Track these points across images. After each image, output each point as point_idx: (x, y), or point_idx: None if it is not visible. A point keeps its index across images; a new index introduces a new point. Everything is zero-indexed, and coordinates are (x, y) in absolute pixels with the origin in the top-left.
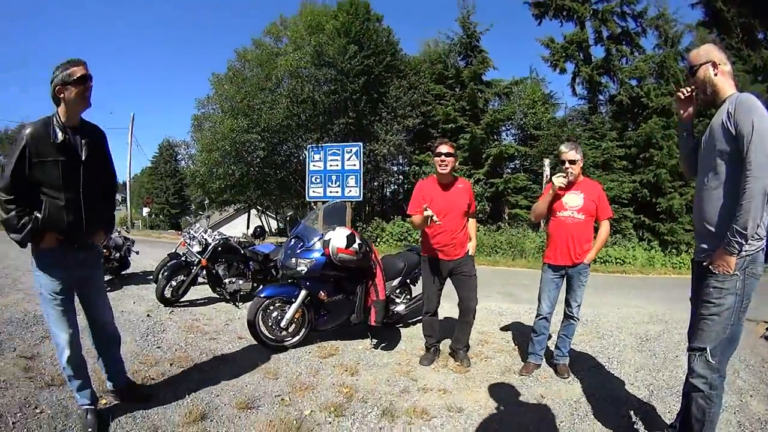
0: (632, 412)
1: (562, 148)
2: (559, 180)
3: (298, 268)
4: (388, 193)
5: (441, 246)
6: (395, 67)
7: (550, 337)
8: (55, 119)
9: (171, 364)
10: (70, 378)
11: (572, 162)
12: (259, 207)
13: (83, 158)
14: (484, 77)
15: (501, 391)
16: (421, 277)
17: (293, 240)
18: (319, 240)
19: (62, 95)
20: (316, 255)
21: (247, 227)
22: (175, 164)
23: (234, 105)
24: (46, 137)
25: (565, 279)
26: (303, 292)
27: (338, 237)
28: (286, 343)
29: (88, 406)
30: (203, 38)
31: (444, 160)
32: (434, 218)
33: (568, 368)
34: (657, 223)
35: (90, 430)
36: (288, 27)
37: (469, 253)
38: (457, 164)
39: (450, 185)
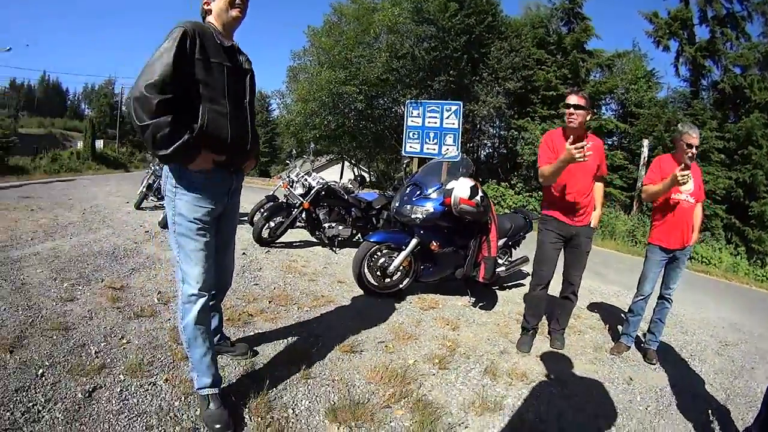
0: (710, 411)
1: (689, 130)
2: (683, 179)
3: (413, 216)
4: (482, 156)
5: (566, 205)
6: (496, 29)
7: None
8: (211, 26)
9: (270, 302)
10: (191, 342)
11: (696, 147)
12: (352, 160)
13: (247, 69)
14: (587, 46)
15: (594, 367)
16: (536, 244)
17: (410, 187)
18: (437, 189)
19: (209, 6)
20: (435, 204)
21: (340, 177)
22: (267, 114)
23: (331, 57)
24: (210, 36)
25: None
26: (414, 241)
27: (462, 187)
28: (389, 291)
29: (212, 391)
30: None
31: (572, 113)
32: (584, 149)
33: (656, 355)
34: (746, 227)
35: (218, 427)
36: None
37: (591, 224)
38: (588, 118)
39: (579, 141)
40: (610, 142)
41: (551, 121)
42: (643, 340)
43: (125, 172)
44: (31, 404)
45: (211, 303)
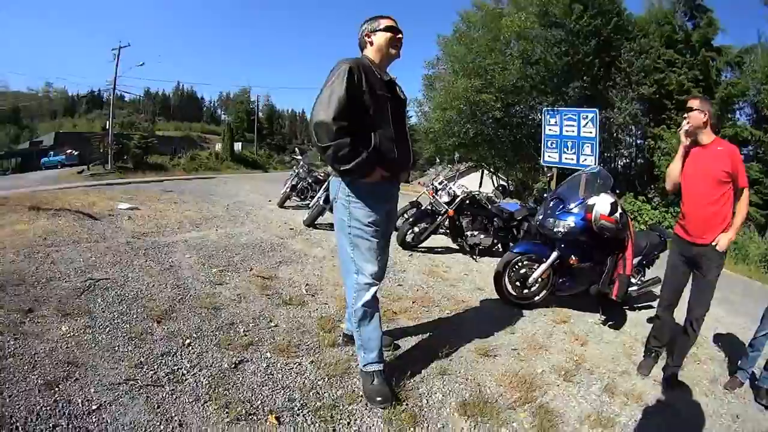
0: None
1: None
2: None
3: (555, 229)
4: (619, 167)
5: (688, 220)
6: (623, 29)
7: None
8: (368, 60)
9: (413, 302)
10: (362, 322)
11: None
12: (490, 168)
13: (404, 99)
14: (714, 42)
15: (706, 399)
16: (666, 263)
17: (553, 200)
18: (579, 204)
19: (370, 39)
20: (576, 218)
21: (479, 186)
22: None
23: (465, 65)
24: (371, 70)
25: None
26: (555, 254)
27: (603, 203)
28: (525, 302)
29: (377, 368)
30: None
31: (687, 116)
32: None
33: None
34: None
35: (380, 400)
36: None
37: (718, 244)
38: (707, 120)
39: (706, 146)
40: (745, 153)
41: None
42: (758, 377)
43: (263, 173)
44: (176, 367)
45: None
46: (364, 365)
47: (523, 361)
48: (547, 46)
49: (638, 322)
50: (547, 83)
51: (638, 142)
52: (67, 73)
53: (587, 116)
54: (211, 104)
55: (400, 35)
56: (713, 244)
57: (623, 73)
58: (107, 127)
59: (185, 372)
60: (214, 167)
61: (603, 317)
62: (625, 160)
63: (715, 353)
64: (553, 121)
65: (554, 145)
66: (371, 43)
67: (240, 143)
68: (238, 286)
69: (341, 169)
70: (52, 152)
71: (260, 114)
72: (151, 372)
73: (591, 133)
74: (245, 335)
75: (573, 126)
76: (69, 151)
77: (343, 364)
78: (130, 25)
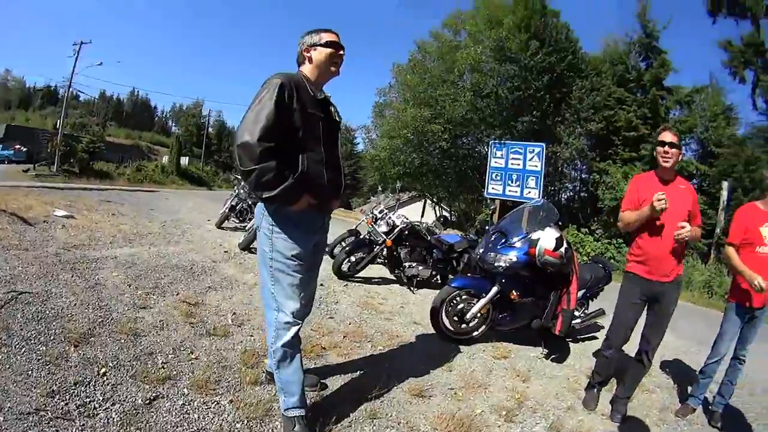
0: None
1: None
2: (659, 204)
3: (497, 264)
4: (563, 200)
5: (650, 259)
6: (576, 67)
7: None
8: (303, 77)
9: (344, 337)
10: (281, 363)
11: None
12: (434, 198)
13: (338, 120)
14: (665, 82)
15: (658, 429)
16: (616, 302)
17: (495, 234)
18: (522, 238)
19: (309, 54)
20: (519, 253)
21: (422, 216)
22: (352, 147)
23: (416, 95)
24: (304, 87)
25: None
26: (495, 288)
27: (548, 238)
28: (463, 337)
29: (298, 413)
30: (377, 30)
31: (667, 152)
32: (663, 203)
33: (721, 418)
34: None
35: None
36: (466, 21)
37: (678, 278)
38: (681, 159)
39: (670, 182)
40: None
41: (632, 164)
42: (711, 402)
43: (208, 190)
44: (88, 400)
45: None
46: (285, 410)
47: (460, 401)
48: (500, 80)
49: (582, 355)
50: (496, 116)
51: (583, 176)
52: (26, 63)
53: (534, 150)
54: (164, 114)
55: (341, 52)
56: (678, 277)
57: (573, 109)
58: (58, 126)
59: (97, 406)
60: (160, 180)
61: (545, 351)
62: (569, 194)
63: (663, 381)
64: (499, 153)
65: (499, 178)
66: (310, 59)
67: (187, 158)
68: (162, 311)
69: (264, 196)
70: (0, 146)
71: (210, 129)
72: (63, 403)
73: (536, 166)
74: (163, 367)
75: (519, 159)
76: (18, 146)
77: (264, 405)
78: (94, 23)
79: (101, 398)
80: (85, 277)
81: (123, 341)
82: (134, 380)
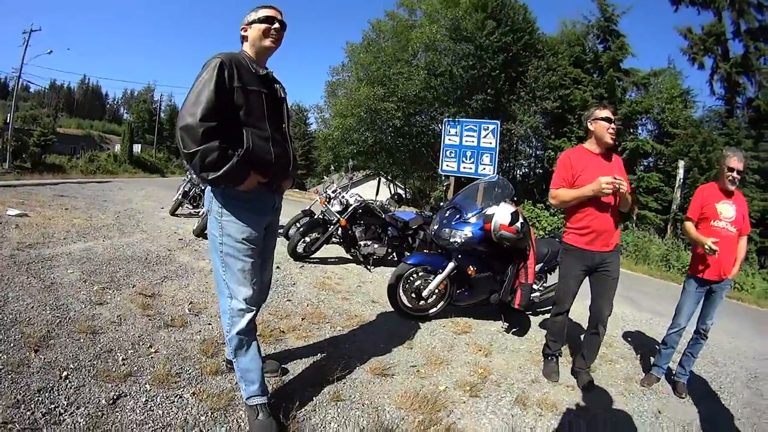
0: None
1: (731, 154)
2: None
3: (452, 240)
4: (519, 176)
5: (591, 232)
6: (533, 47)
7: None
8: (245, 55)
9: (303, 319)
10: (238, 351)
11: (739, 172)
12: (388, 176)
13: (283, 97)
14: (623, 65)
15: (623, 399)
16: (558, 270)
17: (449, 210)
18: (477, 213)
19: (246, 33)
20: (474, 228)
21: (377, 194)
22: (305, 127)
23: (369, 73)
24: (245, 65)
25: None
26: (451, 264)
27: (503, 213)
28: (422, 314)
29: (260, 401)
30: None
31: (614, 128)
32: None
33: (686, 388)
34: None
35: None
36: (422, 0)
37: (618, 246)
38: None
39: (605, 157)
40: (646, 164)
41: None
42: (674, 372)
43: (161, 177)
44: (53, 406)
45: None
46: (247, 398)
47: (423, 378)
48: (455, 59)
49: (543, 327)
50: (450, 95)
51: (538, 153)
52: None
53: (488, 127)
54: (115, 102)
55: (276, 25)
56: (617, 246)
57: (528, 87)
58: (8, 120)
59: (62, 411)
60: (113, 170)
61: (506, 325)
62: (524, 170)
63: (625, 352)
64: (453, 131)
65: (453, 155)
66: (247, 37)
67: (139, 145)
68: (119, 305)
69: (210, 177)
70: None
71: (162, 114)
72: (29, 413)
73: (491, 143)
74: (124, 364)
75: (473, 137)
76: None
77: (226, 394)
78: (42, 8)
79: (66, 403)
80: (41, 278)
81: (82, 341)
82: (96, 380)
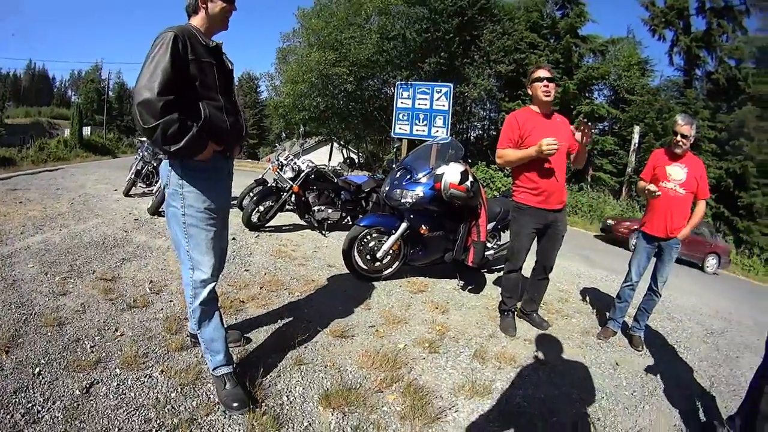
0: (695, 398)
1: (679, 119)
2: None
3: (403, 200)
4: (472, 138)
5: (543, 191)
6: (489, 11)
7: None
8: (193, 28)
9: (261, 288)
10: (202, 323)
11: (684, 137)
12: (341, 141)
13: (231, 68)
14: (581, 31)
15: (581, 351)
16: (510, 229)
17: (400, 171)
18: (427, 174)
19: (205, 5)
20: (425, 188)
21: (329, 159)
22: (256, 96)
23: (321, 39)
24: (196, 37)
25: (656, 251)
26: (404, 225)
27: (452, 172)
28: (378, 275)
29: (226, 370)
30: None
31: (547, 86)
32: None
33: (642, 342)
34: (735, 217)
35: (236, 405)
36: None
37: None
38: (555, 91)
39: (550, 116)
40: (601, 128)
41: None
42: (630, 326)
43: (112, 159)
44: (30, 405)
45: None
46: (213, 369)
47: (383, 337)
48: (408, 23)
49: (499, 283)
50: (403, 58)
51: (492, 115)
52: None
53: (441, 90)
54: (63, 84)
55: (234, 8)
56: (565, 206)
57: (483, 51)
58: None
59: (40, 408)
60: (64, 156)
61: (461, 283)
62: (478, 132)
63: (581, 306)
64: (405, 94)
65: (406, 118)
66: (206, 9)
67: (89, 127)
68: (82, 293)
69: (172, 149)
70: None
71: (110, 93)
72: (8, 416)
73: (444, 106)
74: (92, 352)
75: (426, 99)
76: None
77: (194, 369)
78: None
79: (42, 399)
80: (2, 276)
81: (50, 334)
82: (68, 372)
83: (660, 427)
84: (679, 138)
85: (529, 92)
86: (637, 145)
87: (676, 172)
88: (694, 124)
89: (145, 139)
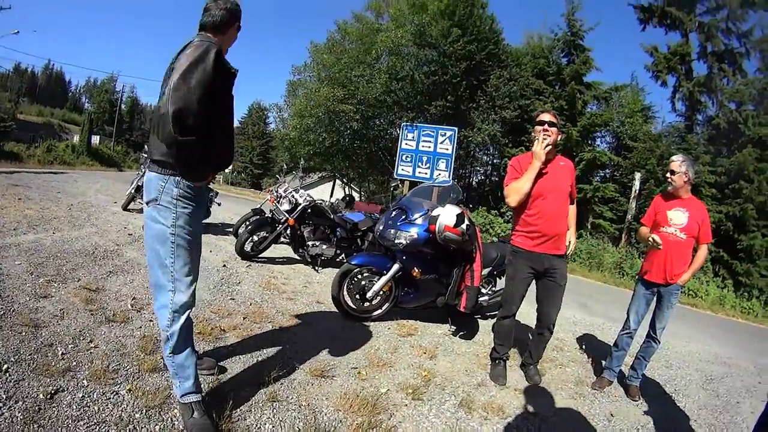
0: None
1: (672, 158)
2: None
3: (397, 241)
4: (474, 183)
5: (538, 235)
6: (497, 57)
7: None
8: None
9: (244, 318)
10: (176, 348)
11: (673, 173)
12: (343, 179)
13: (233, 95)
14: (585, 78)
15: (574, 402)
16: (505, 273)
17: (395, 211)
18: (423, 215)
19: (233, 25)
20: (419, 230)
21: (331, 196)
22: (264, 126)
23: (331, 75)
24: (223, 56)
25: (655, 298)
26: (396, 266)
27: (448, 215)
28: (367, 315)
29: (195, 398)
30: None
31: (547, 130)
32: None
33: (639, 391)
34: (734, 261)
35: None
36: (390, 4)
37: (568, 250)
38: (559, 139)
39: (551, 161)
40: (602, 174)
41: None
42: (627, 375)
43: (118, 171)
44: None
45: None
46: (182, 395)
47: (364, 380)
48: (417, 64)
49: (491, 331)
50: (410, 99)
51: (495, 161)
52: None
53: (446, 134)
54: (78, 89)
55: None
56: (567, 251)
57: (488, 96)
58: None
59: (1, 405)
60: (70, 161)
61: (452, 328)
62: (480, 177)
63: (577, 356)
64: (410, 136)
65: (409, 159)
66: (232, 29)
67: (98, 136)
68: (63, 299)
69: (189, 170)
70: None
71: (123, 106)
72: None
73: (447, 149)
74: (63, 359)
75: (430, 142)
76: None
77: (162, 392)
78: None
79: (5, 396)
80: None
81: (24, 334)
82: (35, 374)
83: None
84: (668, 174)
85: (533, 135)
86: (637, 191)
87: (678, 216)
88: (687, 162)
89: (146, 155)
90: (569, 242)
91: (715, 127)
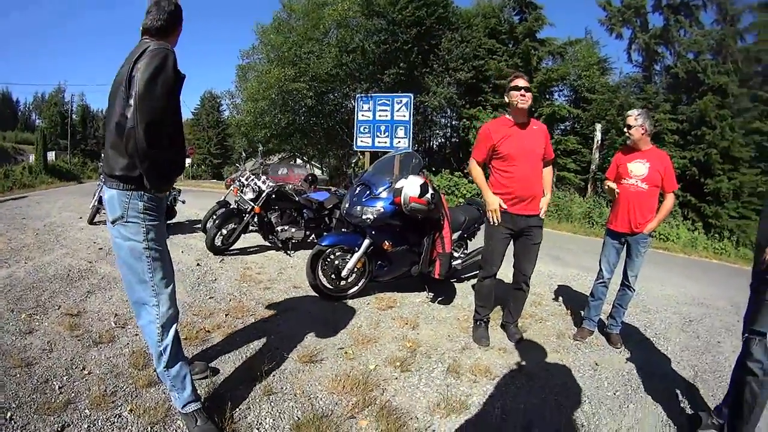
0: (678, 391)
1: (628, 112)
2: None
3: (365, 216)
4: (435, 146)
5: (513, 197)
6: (447, 20)
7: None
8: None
9: (226, 315)
10: (171, 361)
11: (629, 127)
12: (304, 157)
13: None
14: (539, 35)
15: (558, 355)
16: (483, 234)
17: (359, 187)
18: (387, 188)
19: (179, 28)
20: (385, 203)
21: None
22: (218, 115)
23: (280, 54)
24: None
25: (624, 247)
26: (366, 242)
27: (411, 186)
28: (344, 294)
29: (196, 407)
30: None
31: (524, 95)
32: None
33: (620, 338)
34: (703, 204)
35: None
36: None
37: (542, 212)
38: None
39: (525, 125)
40: (563, 128)
41: (503, 109)
42: (606, 324)
43: (78, 184)
44: None
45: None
46: (182, 406)
47: (352, 359)
48: (367, 35)
49: (469, 292)
50: (362, 71)
51: (453, 123)
52: None
53: (401, 101)
54: (27, 107)
55: None
56: (541, 212)
57: (441, 60)
58: None
59: None
60: (29, 183)
61: (431, 295)
62: (440, 140)
63: (555, 308)
64: (366, 106)
65: (367, 130)
66: (177, 32)
67: (54, 152)
68: (48, 331)
69: (159, 187)
70: None
71: (74, 116)
72: None
73: (404, 116)
74: (61, 393)
75: (386, 111)
76: None
77: (162, 405)
78: None
79: None
80: None
81: (19, 376)
82: (39, 415)
83: (646, 425)
84: (626, 129)
85: (506, 100)
86: (599, 142)
87: (637, 168)
88: (642, 114)
89: (102, 163)
90: (542, 204)
91: (674, 77)
